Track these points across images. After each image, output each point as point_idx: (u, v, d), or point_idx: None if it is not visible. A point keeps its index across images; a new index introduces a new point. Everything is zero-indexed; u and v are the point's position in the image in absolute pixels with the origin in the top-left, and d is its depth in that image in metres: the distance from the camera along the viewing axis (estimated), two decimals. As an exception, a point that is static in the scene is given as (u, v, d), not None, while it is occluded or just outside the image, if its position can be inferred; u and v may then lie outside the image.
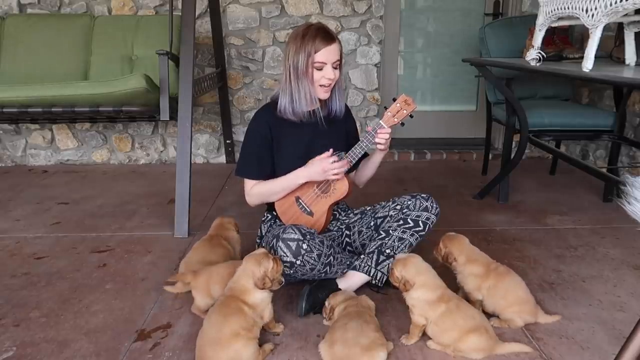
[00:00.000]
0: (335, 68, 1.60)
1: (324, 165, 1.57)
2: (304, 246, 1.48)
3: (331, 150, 1.59)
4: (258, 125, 1.68)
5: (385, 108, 1.61)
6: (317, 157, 1.60)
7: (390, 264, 1.58)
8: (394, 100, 1.60)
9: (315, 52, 1.55)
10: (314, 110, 1.66)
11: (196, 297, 1.55)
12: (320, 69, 1.58)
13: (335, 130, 1.72)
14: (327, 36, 1.56)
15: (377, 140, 1.60)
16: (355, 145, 1.62)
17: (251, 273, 1.36)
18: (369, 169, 1.78)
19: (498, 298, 1.48)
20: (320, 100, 1.66)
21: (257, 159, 1.69)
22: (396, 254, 1.64)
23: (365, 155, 1.78)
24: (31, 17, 2.96)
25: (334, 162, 1.56)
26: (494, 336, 1.36)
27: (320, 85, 1.61)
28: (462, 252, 1.56)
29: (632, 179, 0.90)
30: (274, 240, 1.51)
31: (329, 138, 1.69)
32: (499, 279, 1.49)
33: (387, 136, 1.60)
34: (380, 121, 1.60)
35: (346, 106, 1.80)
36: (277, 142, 1.68)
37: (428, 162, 3.40)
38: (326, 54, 1.56)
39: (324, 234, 1.74)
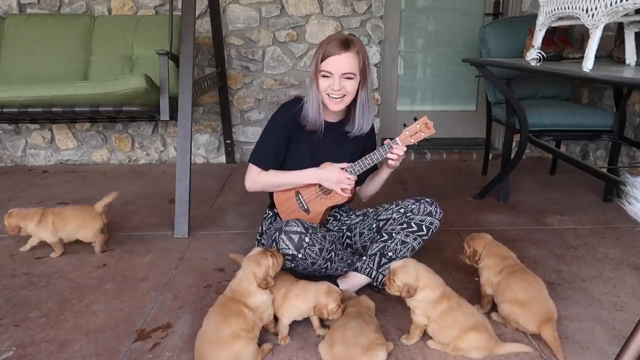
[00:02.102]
0: (348, 79, 1.54)
1: (340, 177, 1.58)
2: (306, 239, 1.49)
3: (346, 164, 1.60)
4: (282, 118, 1.67)
5: (405, 125, 1.58)
6: (335, 165, 1.61)
7: (384, 277, 1.57)
8: (415, 119, 1.57)
9: (322, 60, 1.53)
10: (317, 112, 1.62)
11: None
12: (327, 77, 1.55)
13: (352, 144, 1.70)
14: (341, 45, 1.51)
15: (389, 155, 1.58)
16: (366, 156, 1.59)
17: (253, 275, 1.37)
18: (374, 184, 1.78)
19: (498, 293, 1.48)
20: (337, 112, 1.64)
21: (274, 149, 1.67)
22: (398, 257, 1.64)
23: (375, 169, 1.77)
24: (31, 17, 2.96)
25: (349, 177, 1.57)
26: (494, 336, 1.36)
27: (328, 95, 1.57)
28: (484, 247, 1.58)
29: (632, 179, 0.90)
30: (277, 233, 1.51)
31: (344, 151, 1.68)
32: (507, 277, 1.47)
33: (401, 153, 1.58)
34: (397, 139, 1.58)
35: (372, 126, 1.75)
36: (296, 140, 1.67)
37: (428, 162, 3.40)
38: (332, 63, 1.52)
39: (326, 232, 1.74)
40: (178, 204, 2.17)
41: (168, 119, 2.26)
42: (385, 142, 1.59)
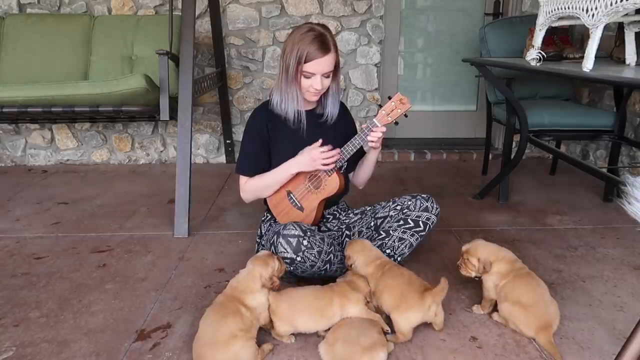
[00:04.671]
0: (327, 77, 1.59)
1: (313, 154, 1.57)
2: (305, 242, 1.49)
3: (321, 140, 1.59)
4: (256, 124, 1.69)
5: (380, 106, 1.61)
6: (307, 147, 1.61)
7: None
8: (389, 98, 1.59)
9: (305, 62, 1.53)
10: (296, 109, 1.65)
11: (276, 322, 1.41)
12: (308, 78, 1.57)
13: (332, 130, 1.72)
14: (322, 47, 1.53)
15: (369, 138, 1.60)
16: (348, 143, 1.61)
17: (259, 275, 1.38)
18: (365, 169, 1.79)
19: (501, 294, 1.47)
20: (312, 101, 1.67)
21: (255, 156, 1.70)
22: (396, 254, 1.65)
23: (363, 154, 1.78)
24: (31, 17, 2.95)
25: (323, 151, 1.56)
26: (419, 286, 1.41)
27: (308, 91, 1.61)
28: (492, 253, 1.52)
29: (632, 179, 0.90)
30: (275, 236, 1.51)
31: (325, 138, 1.69)
32: (512, 280, 1.46)
33: (380, 134, 1.59)
34: (374, 119, 1.59)
35: (344, 107, 1.80)
36: (274, 140, 1.69)
37: (428, 162, 3.40)
38: (315, 66, 1.54)
39: (324, 232, 1.74)
40: (178, 204, 2.17)
41: (168, 119, 2.26)
42: (364, 125, 1.60)
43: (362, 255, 1.53)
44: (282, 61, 1.58)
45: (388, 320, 1.44)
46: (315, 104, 1.73)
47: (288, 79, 1.58)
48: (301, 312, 1.40)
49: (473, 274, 1.54)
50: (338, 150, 1.59)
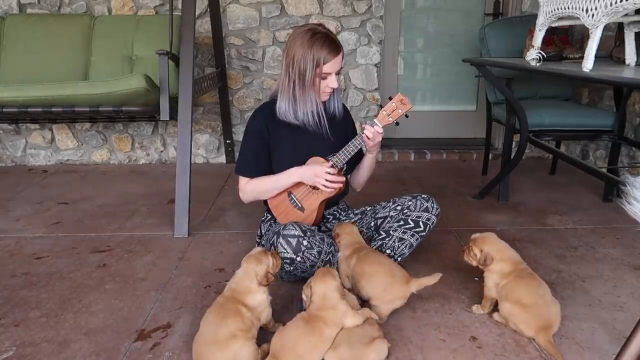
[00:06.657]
0: (338, 73, 1.61)
1: (317, 171, 1.58)
2: (304, 243, 1.49)
3: (331, 163, 1.60)
4: (256, 124, 1.69)
5: (381, 106, 1.61)
6: (317, 163, 1.61)
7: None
8: (390, 98, 1.59)
9: (323, 64, 1.54)
10: (316, 112, 1.65)
11: None
12: (324, 79, 1.59)
13: (334, 132, 1.72)
14: (334, 46, 1.56)
15: (365, 132, 1.59)
16: (349, 143, 1.61)
17: (254, 273, 1.37)
18: (363, 172, 1.79)
19: (502, 294, 1.47)
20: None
21: (255, 157, 1.70)
22: (396, 254, 1.65)
23: (361, 155, 1.77)
24: (31, 17, 2.95)
25: (329, 172, 1.57)
26: (403, 277, 1.46)
27: (324, 92, 1.63)
28: (497, 250, 1.52)
29: (632, 179, 0.90)
30: (275, 236, 1.51)
31: (327, 139, 1.69)
32: (514, 280, 1.46)
33: (380, 137, 1.60)
34: (375, 120, 1.59)
35: (345, 108, 1.80)
36: (275, 141, 1.69)
37: (428, 162, 3.40)
38: (333, 65, 1.57)
39: (325, 233, 1.75)
40: (178, 204, 2.17)
41: (168, 119, 2.26)
42: (364, 125, 1.60)
43: (349, 236, 1.63)
44: (294, 69, 1.57)
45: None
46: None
47: (305, 85, 1.58)
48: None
49: (474, 263, 1.55)
50: (343, 178, 1.61)
